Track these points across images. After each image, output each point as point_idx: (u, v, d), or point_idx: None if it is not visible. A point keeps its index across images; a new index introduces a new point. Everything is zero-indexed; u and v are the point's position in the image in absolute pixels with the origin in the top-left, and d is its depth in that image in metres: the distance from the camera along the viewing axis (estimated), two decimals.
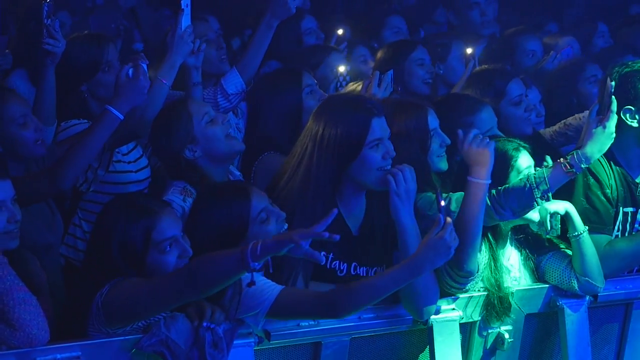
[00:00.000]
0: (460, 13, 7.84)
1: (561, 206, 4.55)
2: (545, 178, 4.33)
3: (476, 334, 4.54)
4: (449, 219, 3.88)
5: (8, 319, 3.63)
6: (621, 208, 4.81)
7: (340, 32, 6.86)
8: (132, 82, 4.42)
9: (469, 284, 4.42)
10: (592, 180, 4.76)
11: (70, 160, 4.34)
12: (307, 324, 4.12)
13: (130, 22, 7.97)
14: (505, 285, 4.53)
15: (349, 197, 4.29)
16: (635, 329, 4.88)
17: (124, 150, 5.01)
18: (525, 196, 4.32)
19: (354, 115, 4.21)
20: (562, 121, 5.93)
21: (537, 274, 4.70)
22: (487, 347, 4.57)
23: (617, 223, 4.81)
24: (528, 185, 4.32)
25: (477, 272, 4.40)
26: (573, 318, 4.65)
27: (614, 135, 4.51)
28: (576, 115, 5.89)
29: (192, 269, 3.60)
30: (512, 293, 4.55)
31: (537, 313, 4.69)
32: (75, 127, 4.96)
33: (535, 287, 4.67)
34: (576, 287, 4.62)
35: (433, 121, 4.74)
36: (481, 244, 4.40)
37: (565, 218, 4.57)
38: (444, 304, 4.38)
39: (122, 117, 4.36)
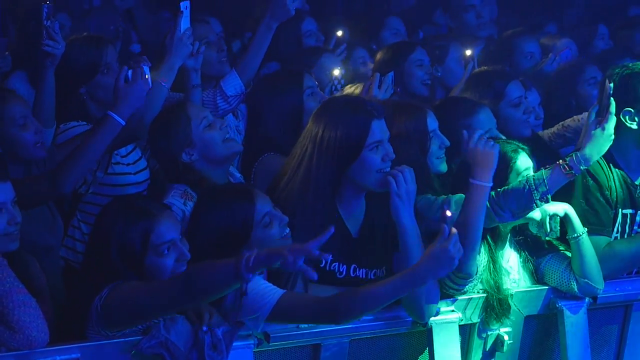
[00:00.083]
0: (457, 15, 7.84)
1: (560, 208, 4.55)
2: (544, 180, 4.33)
3: (475, 336, 4.55)
4: (454, 230, 3.86)
5: (8, 321, 3.63)
6: (620, 210, 4.81)
7: (339, 33, 6.86)
8: (131, 85, 4.42)
9: (467, 286, 4.42)
10: (591, 182, 4.76)
11: (71, 164, 4.34)
12: (306, 325, 4.12)
13: (127, 24, 7.97)
14: (504, 287, 4.53)
15: (349, 199, 4.29)
16: (635, 331, 4.88)
17: (122, 152, 5.01)
18: (525, 198, 4.32)
19: (354, 118, 4.21)
20: (561, 123, 5.94)
21: (537, 276, 4.70)
22: (487, 349, 4.57)
23: (617, 225, 4.81)
24: (527, 187, 4.33)
25: (476, 274, 4.41)
26: (572, 320, 4.65)
27: (613, 137, 4.52)
28: (574, 117, 5.90)
29: (188, 277, 3.61)
30: (512, 295, 4.55)
31: (536, 315, 4.69)
32: (74, 129, 4.96)
33: (535, 288, 4.67)
34: (575, 289, 4.62)
35: (432, 123, 4.75)
36: (480, 246, 4.41)
37: (565, 220, 4.57)
38: (443, 306, 4.38)
39: (124, 122, 4.36)
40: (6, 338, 3.63)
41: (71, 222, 4.98)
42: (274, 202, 4.12)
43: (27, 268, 4.00)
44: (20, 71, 5.82)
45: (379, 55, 6.41)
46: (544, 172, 4.36)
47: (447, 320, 4.39)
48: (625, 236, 4.83)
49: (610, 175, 4.79)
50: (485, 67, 6.05)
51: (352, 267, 4.28)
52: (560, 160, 4.42)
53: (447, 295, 4.41)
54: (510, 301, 4.53)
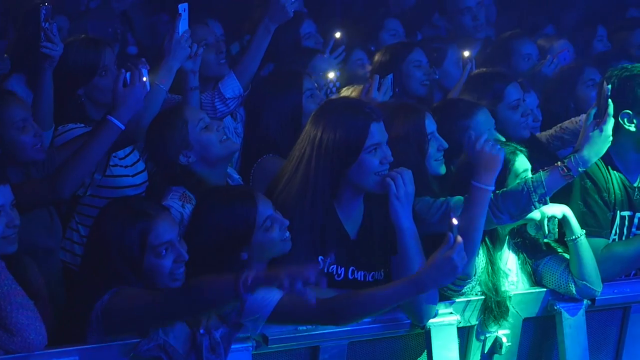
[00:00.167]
0: (453, 18, 7.85)
1: (558, 210, 4.55)
2: (542, 182, 4.33)
3: (474, 338, 4.55)
4: (459, 238, 3.85)
5: (6, 324, 3.63)
6: (618, 212, 4.81)
7: (337, 35, 6.86)
8: (129, 89, 4.42)
9: (465, 288, 4.43)
10: (589, 183, 4.76)
11: (70, 168, 4.35)
12: (304, 328, 4.12)
13: (123, 26, 7.96)
14: (502, 289, 4.53)
15: (347, 201, 4.29)
16: (633, 333, 4.88)
17: (120, 155, 5.01)
18: (523, 200, 4.32)
19: (352, 120, 4.21)
20: (558, 125, 5.94)
21: (535, 278, 4.70)
22: (485, 351, 4.57)
23: (615, 227, 4.81)
24: (526, 189, 4.33)
25: (475, 275, 4.41)
26: (571, 322, 4.65)
27: (611, 138, 4.51)
28: (572, 118, 5.90)
29: (189, 291, 3.65)
30: (510, 297, 4.55)
31: (534, 317, 4.70)
32: (73, 131, 4.96)
33: (533, 291, 4.67)
34: (574, 291, 4.62)
35: (430, 125, 4.74)
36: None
37: (563, 222, 4.57)
38: (441, 308, 4.38)
39: (123, 127, 4.37)
40: (4, 341, 3.63)
41: (69, 224, 4.98)
42: (273, 204, 4.12)
43: (25, 270, 4.00)
44: (18, 74, 5.80)
45: (377, 57, 6.41)
46: (542, 174, 4.36)
47: (445, 323, 4.39)
48: (623, 238, 4.83)
49: (609, 177, 4.79)
50: (484, 69, 6.04)
51: (351, 270, 4.27)
52: (559, 162, 4.42)
53: (446, 297, 4.41)
54: (508, 303, 4.53)
